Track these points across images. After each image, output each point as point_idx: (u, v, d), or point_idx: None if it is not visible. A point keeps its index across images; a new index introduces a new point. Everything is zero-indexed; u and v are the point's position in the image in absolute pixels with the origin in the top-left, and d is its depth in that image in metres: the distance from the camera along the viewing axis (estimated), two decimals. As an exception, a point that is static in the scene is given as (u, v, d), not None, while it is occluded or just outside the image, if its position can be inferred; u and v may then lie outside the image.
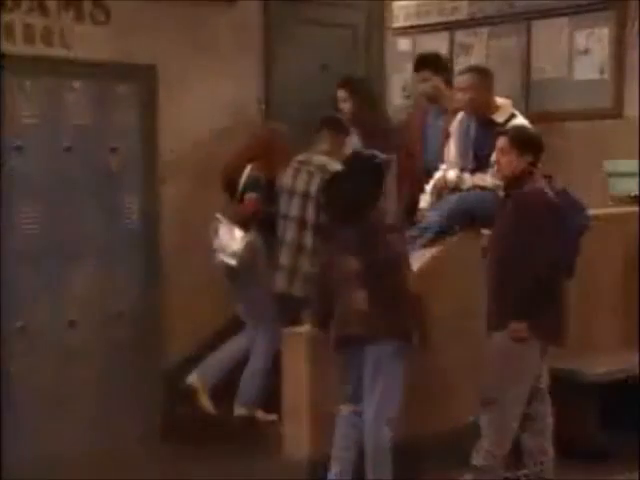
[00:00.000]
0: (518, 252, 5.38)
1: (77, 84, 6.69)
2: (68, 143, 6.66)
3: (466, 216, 6.40)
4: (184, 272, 7.12)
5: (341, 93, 7.27)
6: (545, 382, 5.74)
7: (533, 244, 5.35)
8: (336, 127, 6.69)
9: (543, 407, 5.73)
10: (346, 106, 7.24)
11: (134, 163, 6.93)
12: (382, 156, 5.79)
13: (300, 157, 6.61)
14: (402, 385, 5.45)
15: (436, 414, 6.15)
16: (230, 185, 6.75)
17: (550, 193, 5.52)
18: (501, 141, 5.60)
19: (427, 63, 7.28)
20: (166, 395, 6.96)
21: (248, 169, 6.76)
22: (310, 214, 6.41)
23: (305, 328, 5.91)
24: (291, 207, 6.50)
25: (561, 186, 5.76)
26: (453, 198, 6.53)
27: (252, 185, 6.66)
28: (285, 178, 6.58)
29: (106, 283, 6.85)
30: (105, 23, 6.86)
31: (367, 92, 7.42)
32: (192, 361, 6.93)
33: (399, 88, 8.77)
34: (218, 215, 6.64)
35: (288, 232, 6.48)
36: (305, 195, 6.46)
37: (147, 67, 6.89)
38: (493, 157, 5.78)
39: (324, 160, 6.48)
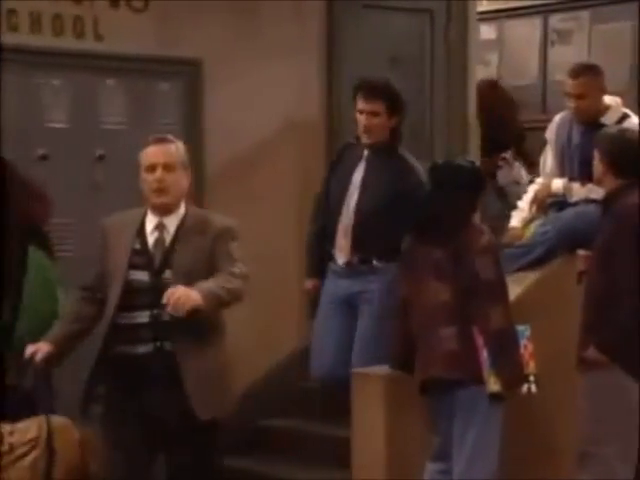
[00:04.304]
0: (616, 277, 4.96)
1: (111, 82, 6.47)
2: (101, 150, 6.39)
3: (579, 236, 5.79)
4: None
5: None
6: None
7: (636, 267, 4.90)
8: None
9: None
10: None
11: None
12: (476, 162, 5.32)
13: None
14: (498, 440, 4.98)
15: (534, 474, 5.64)
16: None
17: None
18: (595, 154, 5.22)
19: None
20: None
21: None
22: None
23: (381, 368, 5.44)
24: None
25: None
26: (569, 213, 5.97)
27: None
28: None
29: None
30: (143, 10, 6.59)
31: None
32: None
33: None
34: None
35: None
36: None
37: (192, 61, 6.68)
38: None
39: None
